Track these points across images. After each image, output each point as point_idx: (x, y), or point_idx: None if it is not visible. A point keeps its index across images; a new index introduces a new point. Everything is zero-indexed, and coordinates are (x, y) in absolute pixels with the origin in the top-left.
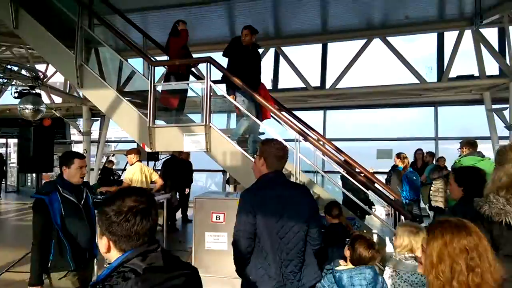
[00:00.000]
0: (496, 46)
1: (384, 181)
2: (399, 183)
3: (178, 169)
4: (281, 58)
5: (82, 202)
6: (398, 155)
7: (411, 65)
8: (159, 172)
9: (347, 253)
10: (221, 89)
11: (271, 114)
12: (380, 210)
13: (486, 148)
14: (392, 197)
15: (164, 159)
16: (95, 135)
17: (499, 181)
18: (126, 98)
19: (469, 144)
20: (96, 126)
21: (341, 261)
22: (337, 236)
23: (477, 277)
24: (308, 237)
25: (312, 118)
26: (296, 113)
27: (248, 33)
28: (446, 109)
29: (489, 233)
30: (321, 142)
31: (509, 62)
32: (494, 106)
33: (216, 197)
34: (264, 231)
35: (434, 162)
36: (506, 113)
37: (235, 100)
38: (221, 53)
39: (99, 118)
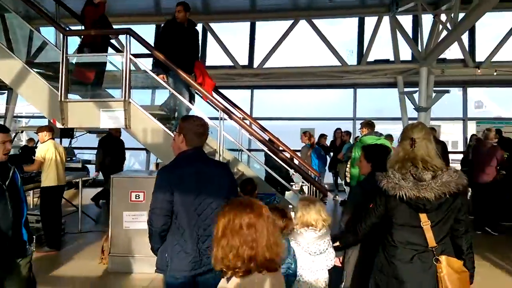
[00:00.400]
0: (410, 32)
1: None
2: (307, 158)
3: (114, 147)
4: (209, 35)
5: (7, 182)
6: (305, 133)
7: (334, 48)
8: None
9: None
10: (143, 63)
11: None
12: (304, 187)
13: (398, 129)
14: (311, 174)
15: (101, 138)
16: (1, 109)
17: (397, 156)
18: (36, 70)
19: (368, 124)
20: (2, 99)
21: None
22: None
23: (251, 251)
24: None
25: (240, 96)
26: (224, 91)
27: (181, 9)
28: (364, 91)
29: (385, 205)
30: (248, 121)
31: (420, 49)
32: (405, 90)
33: (135, 176)
34: (181, 208)
35: (351, 141)
36: (416, 96)
37: (166, 80)
38: (145, 25)
39: (6, 91)
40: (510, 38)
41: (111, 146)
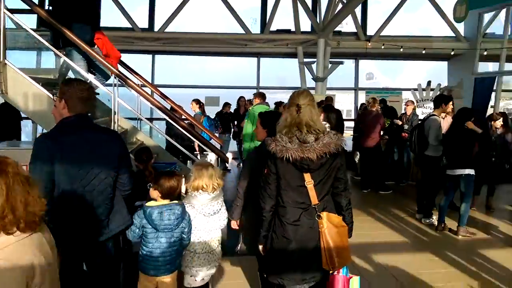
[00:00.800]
0: (310, 4)
1: None
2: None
3: (11, 116)
4: None
5: None
6: (194, 101)
7: (238, 15)
8: None
9: (154, 194)
10: (23, 21)
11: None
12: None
13: None
14: (216, 143)
15: None
16: None
17: (285, 122)
18: None
19: (260, 95)
20: None
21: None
22: (142, 181)
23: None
24: (117, 183)
25: (140, 62)
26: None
27: None
28: (267, 60)
29: (275, 166)
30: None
31: (318, 20)
32: (305, 60)
33: (17, 148)
34: (64, 179)
35: None
36: (314, 66)
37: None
38: None
39: None
40: (397, 14)
41: (7, 115)
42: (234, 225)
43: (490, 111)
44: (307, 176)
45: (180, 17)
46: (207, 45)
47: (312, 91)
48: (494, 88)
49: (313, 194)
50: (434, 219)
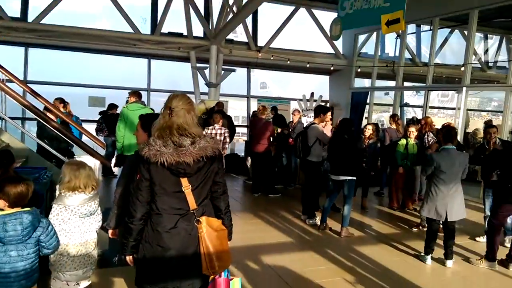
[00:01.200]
0: (203, 10)
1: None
2: None
3: None
4: None
5: None
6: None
7: (127, 13)
8: None
9: (0, 203)
10: None
11: None
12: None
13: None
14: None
15: None
16: None
17: (158, 124)
18: None
19: (135, 93)
20: None
21: None
22: None
23: None
24: None
25: (11, 54)
26: None
27: None
28: (159, 63)
29: (149, 172)
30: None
31: (211, 27)
32: (198, 65)
33: None
34: None
35: None
36: (207, 72)
37: None
38: None
39: None
40: (286, 28)
41: None
42: (112, 234)
43: (364, 122)
44: (184, 181)
45: (60, 9)
46: (92, 42)
47: (205, 97)
48: (368, 101)
49: (191, 199)
50: (317, 219)
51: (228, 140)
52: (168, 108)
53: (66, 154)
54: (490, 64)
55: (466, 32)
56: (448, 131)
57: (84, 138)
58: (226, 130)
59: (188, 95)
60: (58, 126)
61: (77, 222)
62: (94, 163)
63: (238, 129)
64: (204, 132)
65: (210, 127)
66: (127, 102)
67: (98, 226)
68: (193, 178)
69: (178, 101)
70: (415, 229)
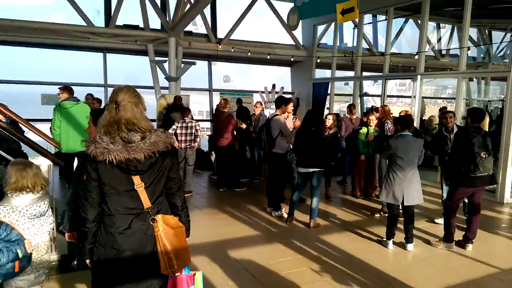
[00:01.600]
0: (159, 1)
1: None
2: None
3: None
4: None
5: None
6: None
7: (78, 5)
8: None
9: None
10: None
11: None
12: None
13: (151, 98)
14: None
15: None
16: None
17: (104, 120)
18: None
19: (67, 89)
20: None
21: None
22: None
23: None
24: None
25: None
26: None
27: None
28: (115, 57)
29: (96, 171)
30: None
31: (168, 19)
32: (156, 58)
33: None
34: None
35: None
36: (166, 65)
37: None
38: None
39: None
40: (245, 20)
41: None
42: (69, 237)
43: (326, 112)
44: (136, 179)
45: (4, 1)
46: (41, 36)
47: (166, 91)
48: (329, 92)
49: (145, 197)
50: (283, 211)
51: (199, 133)
52: (114, 102)
53: (18, 156)
54: (443, 52)
55: (419, 21)
56: (405, 117)
57: (38, 139)
58: (198, 123)
59: (148, 90)
60: (6, 126)
61: (26, 224)
62: (47, 164)
63: (202, 124)
64: (174, 126)
65: (181, 121)
66: (59, 97)
67: (49, 228)
68: (145, 175)
69: (124, 94)
70: (377, 215)
